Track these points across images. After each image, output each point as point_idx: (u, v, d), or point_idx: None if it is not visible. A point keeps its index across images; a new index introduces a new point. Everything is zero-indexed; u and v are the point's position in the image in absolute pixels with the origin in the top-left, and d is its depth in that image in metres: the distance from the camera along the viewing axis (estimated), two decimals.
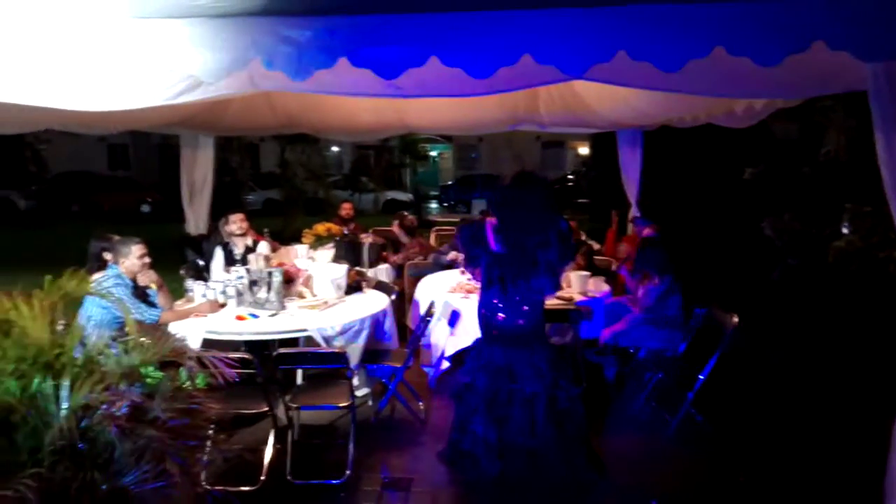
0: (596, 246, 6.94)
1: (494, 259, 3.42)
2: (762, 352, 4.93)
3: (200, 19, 2.46)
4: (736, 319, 4.07)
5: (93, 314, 3.50)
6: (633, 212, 7.11)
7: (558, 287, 3.57)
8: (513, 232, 3.36)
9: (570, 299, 4.60)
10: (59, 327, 2.12)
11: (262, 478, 3.49)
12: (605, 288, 5.07)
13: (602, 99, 5.26)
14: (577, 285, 4.82)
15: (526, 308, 3.36)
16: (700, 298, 4.36)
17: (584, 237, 6.42)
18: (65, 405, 1.85)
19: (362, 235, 6.79)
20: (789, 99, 3.95)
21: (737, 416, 4.31)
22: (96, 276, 3.88)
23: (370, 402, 4.57)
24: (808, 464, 3.68)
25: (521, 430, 3.37)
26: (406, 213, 8.12)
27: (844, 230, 3.95)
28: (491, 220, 3.46)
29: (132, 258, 3.89)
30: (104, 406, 1.90)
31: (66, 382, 1.87)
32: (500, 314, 3.38)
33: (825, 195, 4.20)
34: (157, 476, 1.90)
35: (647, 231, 5.42)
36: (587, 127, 7.08)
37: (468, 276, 4.92)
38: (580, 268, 5.12)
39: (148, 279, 4.07)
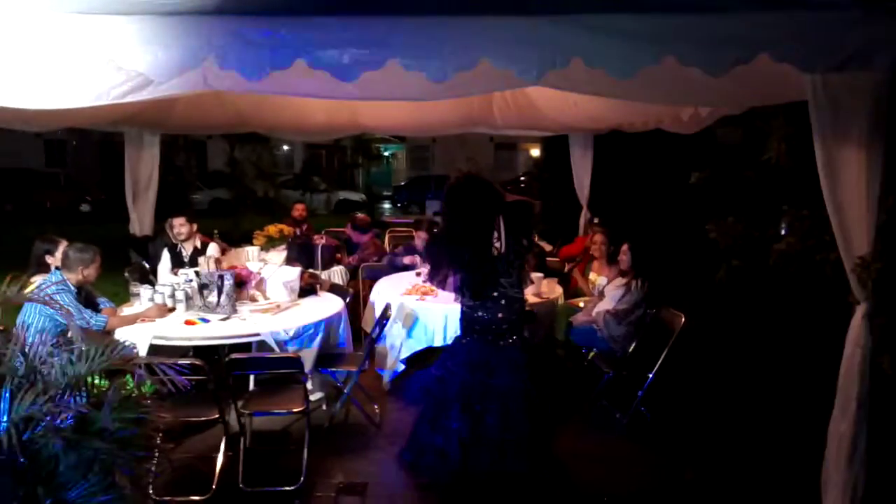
0: (548, 248, 7.05)
1: (460, 268, 3.45)
2: (708, 351, 5.10)
3: (151, 16, 2.38)
4: (683, 319, 4.21)
5: (33, 321, 3.34)
6: (585, 214, 7.25)
7: (524, 281, 3.64)
8: (465, 235, 3.39)
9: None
10: None
11: (213, 486, 3.41)
12: (559, 290, 5.17)
13: (554, 103, 5.34)
14: (530, 287, 4.86)
15: (504, 302, 3.43)
16: (649, 299, 4.49)
17: (535, 238, 6.49)
18: (4, 418, 1.76)
19: (315, 237, 6.70)
20: (735, 108, 4.11)
21: (685, 414, 4.44)
22: (37, 279, 3.72)
23: (324, 407, 4.51)
24: (751, 460, 3.82)
25: (496, 424, 3.40)
26: (358, 213, 8.08)
27: (783, 233, 4.11)
28: (439, 230, 3.50)
29: (89, 269, 3.75)
30: (48, 418, 1.82)
31: (6, 394, 1.78)
32: (479, 312, 3.45)
33: (767, 199, 4.35)
34: (105, 489, 1.83)
35: (598, 236, 5.55)
36: (540, 130, 7.20)
37: (423, 277, 4.92)
38: (532, 269, 5.19)
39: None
